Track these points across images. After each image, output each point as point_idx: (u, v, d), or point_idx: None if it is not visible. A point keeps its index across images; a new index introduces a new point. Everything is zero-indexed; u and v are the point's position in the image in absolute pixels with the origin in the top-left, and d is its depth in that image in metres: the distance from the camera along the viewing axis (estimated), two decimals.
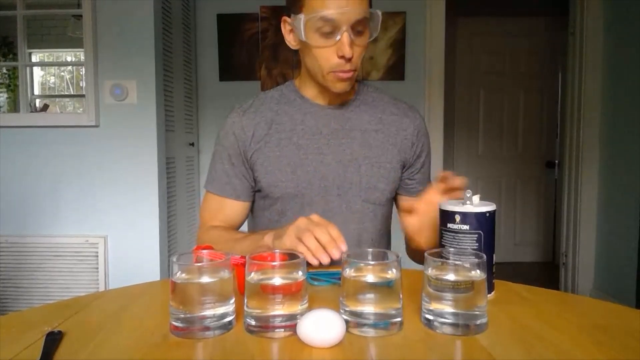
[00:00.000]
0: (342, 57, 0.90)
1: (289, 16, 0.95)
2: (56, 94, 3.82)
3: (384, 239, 1.13)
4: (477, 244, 0.72)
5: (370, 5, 0.93)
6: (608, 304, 0.74)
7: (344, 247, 0.74)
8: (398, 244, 1.11)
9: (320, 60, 0.93)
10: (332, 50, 0.90)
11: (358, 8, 0.88)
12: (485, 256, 0.63)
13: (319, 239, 0.75)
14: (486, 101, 3.99)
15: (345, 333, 0.58)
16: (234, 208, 1.07)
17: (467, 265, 0.63)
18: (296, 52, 1.02)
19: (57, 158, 2.23)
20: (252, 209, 1.13)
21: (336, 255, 0.74)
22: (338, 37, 0.88)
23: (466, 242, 0.72)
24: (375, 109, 1.07)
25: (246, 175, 1.05)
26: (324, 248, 0.75)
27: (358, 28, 0.90)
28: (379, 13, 0.92)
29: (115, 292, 0.84)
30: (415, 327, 0.63)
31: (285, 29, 0.98)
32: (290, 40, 0.99)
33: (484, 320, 0.62)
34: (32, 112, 3.09)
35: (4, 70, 3.44)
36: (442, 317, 0.61)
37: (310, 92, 1.04)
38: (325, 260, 0.74)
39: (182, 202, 2.61)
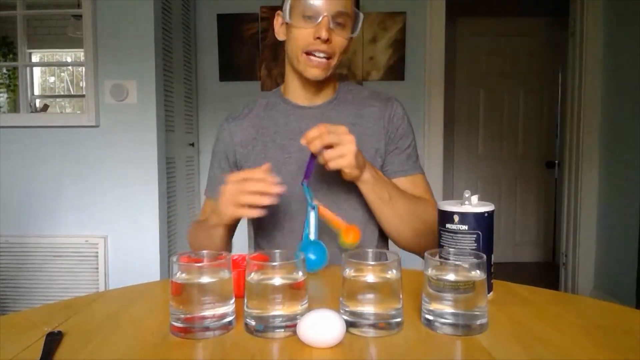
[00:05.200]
0: (318, 37, 0.97)
1: (282, 9, 1.03)
2: (56, 94, 3.82)
3: (375, 230, 1.13)
4: (475, 244, 0.72)
5: (358, 7, 1.02)
6: (608, 304, 0.74)
7: (277, 180, 0.82)
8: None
9: (299, 40, 0.99)
10: (311, 32, 0.98)
11: (341, 1, 0.97)
12: (485, 256, 0.63)
13: (253, 190, 0.82)
14: (486, 101, 3.99)
15: (345, 333, 0.58)
16: None
17: (467, 265, 0.63)
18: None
19: (57, 158, 2.23)
20: None
21: (276, 189, 0.82)
22: (318, 20, 0.96)
23: (465, 243, 0.72)
24: (354, 104, 1.12)
25: None
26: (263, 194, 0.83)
27: (338, 20, 0.98)
28: (361, 14, 1.01)
29: (115, 292, 0.84)
30: (415, 327, 0.64)
31: (277, 21, 1.07)
32: (279, 32, 1.07)
33: (484, 320, 0.62)
34: (32, 112, 3.08)
35: (4, 70, 3.43)
36: (442, 317, 0.61)
37: (292, 93, 1.11)
38: (270, 200, 0.83)
39: (182, 202, 2.61)
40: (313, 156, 0.90)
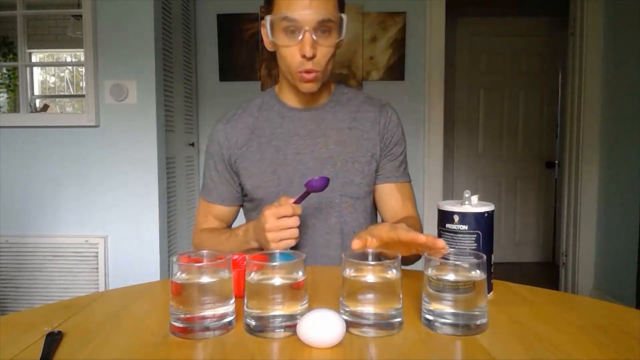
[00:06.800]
0: (303, 56, 0.94)
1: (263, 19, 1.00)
2: (56, 94, 3.82)
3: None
4: (475, 244, 0.72)
5: (342, 10, 0.98)
6: (608, 304, 0.74)
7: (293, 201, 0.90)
8: None
9: (287, 59, 0.97)
10: (296, 49, 0.95)
11: (321, 10, 0.92)
12: (485, 256, 0.63)
13: (290, 226, 0.88)
14: (486, 101, 3.99)
15: (345, 333, 0.58)
16: (220, 212, 1.14)
17: (467, 265, 0.63)
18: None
19: (57, 158, 2.23)
20: (242, 212, 1.19)
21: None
22: (300, 37, 0.93)
23: (465, 243, 0.72)
24: (349, 107, 1.11)
25: (231, 181, 1.11)
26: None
27: (322, 28, 0.94)
28: (344, 17, 0.97)
29: (115, 292, 0.84)
30: (415, 327, 0.64)
31: (263, 31, 1.01)
32: (267, 43, 1.03)
33: (484, 320, 0.62)
34: (32, 112, 3.08)
35: (4, 70, 3.43)
36: (442, 317, 0.61)
37: (287, 96, 1.09)
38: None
39: (182, 202, 2.61)
40: (307, 193, 0.90)
